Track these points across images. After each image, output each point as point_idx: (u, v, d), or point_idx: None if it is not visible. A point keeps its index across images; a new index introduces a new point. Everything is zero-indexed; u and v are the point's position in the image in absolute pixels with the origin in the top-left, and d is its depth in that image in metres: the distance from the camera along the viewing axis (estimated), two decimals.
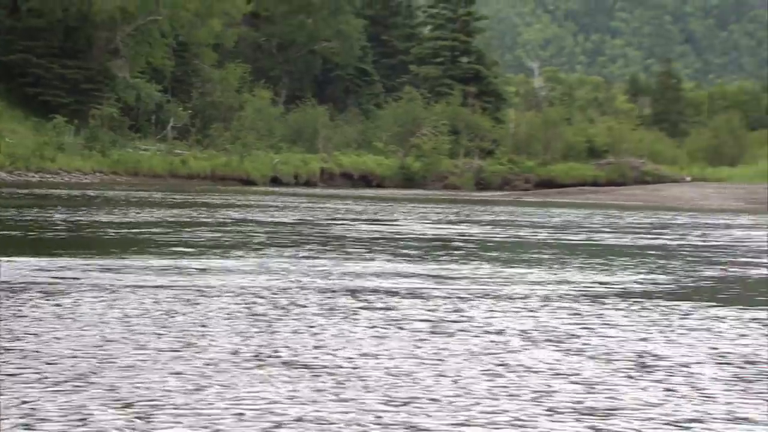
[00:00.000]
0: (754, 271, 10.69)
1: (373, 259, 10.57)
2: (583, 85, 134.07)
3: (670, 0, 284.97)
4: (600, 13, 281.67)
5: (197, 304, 6.60)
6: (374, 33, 71.05)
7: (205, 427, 3.51)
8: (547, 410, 3.97)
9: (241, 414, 3.68)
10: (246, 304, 6.71)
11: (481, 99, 64.88)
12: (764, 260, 12.11)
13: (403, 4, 76.59)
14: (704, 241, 15.90)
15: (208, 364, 4.56)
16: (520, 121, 65.15)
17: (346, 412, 3.78)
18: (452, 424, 3.70)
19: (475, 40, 70.94)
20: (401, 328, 5.89)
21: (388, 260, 10.56)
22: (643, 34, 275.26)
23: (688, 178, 54.01)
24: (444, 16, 70.61)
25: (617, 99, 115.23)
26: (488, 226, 18.34)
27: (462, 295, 7.65)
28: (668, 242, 15.41)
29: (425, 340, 5.53)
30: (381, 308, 6.77)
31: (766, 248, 14.45)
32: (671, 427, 3.80)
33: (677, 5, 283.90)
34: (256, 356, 4.82)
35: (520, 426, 3.72)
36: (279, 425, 3.56)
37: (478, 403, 4.02)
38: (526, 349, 5.33)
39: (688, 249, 13.81)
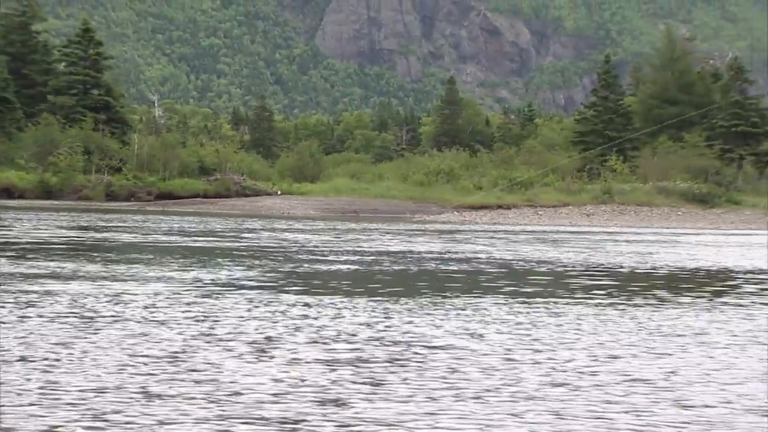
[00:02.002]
0: (324, 267, 11.29)
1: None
2: (195, 115, 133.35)
3: (263, 49, 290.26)
4: (208, 57, 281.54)
5: None
6: (15, 67, 67.20)
7: None
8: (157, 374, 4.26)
9: None
10: None
11: (110, 125, 63.07)
12: (331, 258, 12.84)
13: (40, 43, 72.72)
14: (284, 242, 16.51)
15: None
16: (143, 143, 63.69)
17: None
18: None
19: (104, 75, 68.69)
20: (52, 321, 5.91)
21: (14, 262, 10.17)
22: (242, 76, 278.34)
23: (279, 192, 55.17)
24: (77, 55, 67.82)
25: (223, 127, 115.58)
26: (111, 232, 18.05)
27: (92, 293, 7.58)
28: (255, 244, 15.75)
29: (76, 330, 5.60)
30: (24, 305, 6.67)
31: (335, 248, 15.25)
32: (275, 395, 4.21)
33: (269, 54, 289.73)
34: None
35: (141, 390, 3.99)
36: None
37: (113, 372, 4.26)
38: (169, 337, 5.56)
39: (270, 250, 14.30)
